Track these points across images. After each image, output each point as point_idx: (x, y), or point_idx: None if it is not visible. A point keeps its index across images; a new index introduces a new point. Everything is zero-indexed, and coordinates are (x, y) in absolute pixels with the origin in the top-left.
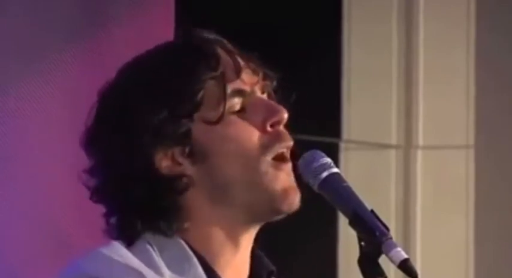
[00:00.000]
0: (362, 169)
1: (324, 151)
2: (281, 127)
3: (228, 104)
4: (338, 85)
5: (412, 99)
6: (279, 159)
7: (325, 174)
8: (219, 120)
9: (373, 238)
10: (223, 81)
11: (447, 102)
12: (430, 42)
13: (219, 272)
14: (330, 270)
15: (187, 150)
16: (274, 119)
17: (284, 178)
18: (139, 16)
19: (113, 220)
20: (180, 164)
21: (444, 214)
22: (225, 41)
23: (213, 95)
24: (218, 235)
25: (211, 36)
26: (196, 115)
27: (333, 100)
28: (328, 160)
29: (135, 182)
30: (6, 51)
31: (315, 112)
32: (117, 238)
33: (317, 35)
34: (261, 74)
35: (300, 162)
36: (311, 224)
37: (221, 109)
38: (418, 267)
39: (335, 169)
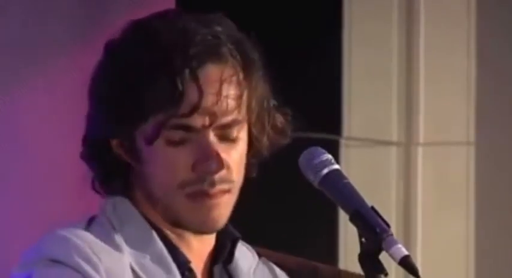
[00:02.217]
0: (363, 166)
1: (325, 148)
2: (208, 170)
3: (168, 134)
4: (339, 83)
5: (412, 96)
6: (197, 195)
7: (325, 171)
8: (150, 143)
9: (374, 234)
10: (172, 113)
11: (448, 99)
12: (430, 40)
13: (180, 245)
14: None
15: (131, 148)
16: (202, 167)
17: (199, 211)
18: (140, 14)
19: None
20: (125, 153)
21: (445, 210)
22: (227, 54)
23: (156, 121)
24: (163, 218)
25: (209, 49)
26: (140, 129)
27: (333, 97)
28: (329, 156)
29: (98, 148)
30: (9, 50)
31: (316, 109)
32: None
33: (318, 34)
34: (225, 119)
35: (301, 158)
36: (312, 221)
37: (156, 135)
38: (419, 264)
39: (336, 166)
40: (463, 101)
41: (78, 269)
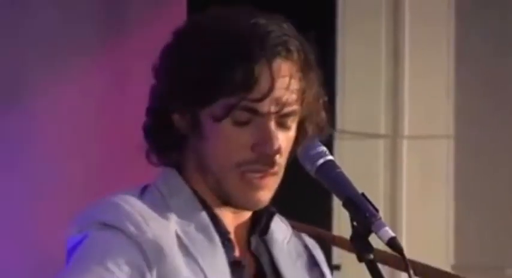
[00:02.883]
0: (354, 157)
1: (320, 141)
2: (268, 152)
3: (236, 115)
4: (333, 82)
5: (398, 94)
6: (251, 174)
7: (321, 161)
8: (219, 121)
9: (364, 218)
10: (244, 96)
11: (430, 96)
12: (415, 41)
13: (221, 216)
14: (325, 247)
15: (194, 123)
16: (261, 148)
17: (249, 190)
18: (154, 19)
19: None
20: (186, 126)
21: (427, 197)
22: (294, 51)
23: (228, 102)
24: (212, 191)
25: (279, 40)
26: (210, 107)
27: (328, 95)
28: (324, 148)
29: (158, 120)
30: (34, 51)
31: None
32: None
33: (313, 36)
34: (288, 109)
35: (299, 150)
36: (308, 206)
37: (225, 114)
38: (404, 244)
39: (330, 157)
40: (443, 97)
41: (128, 234)
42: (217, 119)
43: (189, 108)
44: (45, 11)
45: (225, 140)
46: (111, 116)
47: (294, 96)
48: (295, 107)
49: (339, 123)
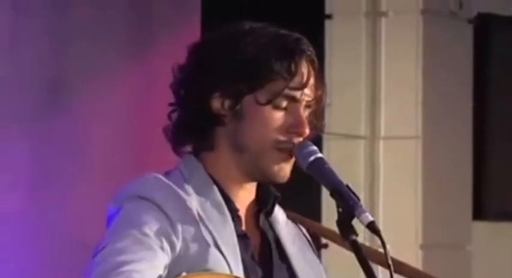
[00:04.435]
0: (340, 155)
1: (311, 141)
2: (301, 133)
3: (278, 100)
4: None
5: (376, 102)
6: (285, 151)
7: (312, 158)
8: (264, 105)
9: (348, 205)
10: (287, 85)
11: (402, 103)
12: (390, 58)
13: (231, 196)
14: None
15: (235, 106)
16: (296, 130)
17: (281, 164)
18: (176, 33)
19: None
20: (224, 110)
21: (400, 188)
22: (313, 54)
23: (274, 89)
24: (231, 172)
25: (306, 46)
26: (255, 92)
27: None
28: (315, 147)
29: (194, 106)
30: (78, 61)
31: None
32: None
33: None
34: (315, 92)
35: (295, 149)
36: (301, 195)
37: (270, 100)
38: (381, 227)
39: (320, 155)
40: (413, 105)
41: (157, 204)
42: (263, 103)
43: (236, 92)
44: (88, 19)
45: (266, 122)
46: (142, 115)
47: (313, 92)
48: (313, 102)
49: (327, 125)
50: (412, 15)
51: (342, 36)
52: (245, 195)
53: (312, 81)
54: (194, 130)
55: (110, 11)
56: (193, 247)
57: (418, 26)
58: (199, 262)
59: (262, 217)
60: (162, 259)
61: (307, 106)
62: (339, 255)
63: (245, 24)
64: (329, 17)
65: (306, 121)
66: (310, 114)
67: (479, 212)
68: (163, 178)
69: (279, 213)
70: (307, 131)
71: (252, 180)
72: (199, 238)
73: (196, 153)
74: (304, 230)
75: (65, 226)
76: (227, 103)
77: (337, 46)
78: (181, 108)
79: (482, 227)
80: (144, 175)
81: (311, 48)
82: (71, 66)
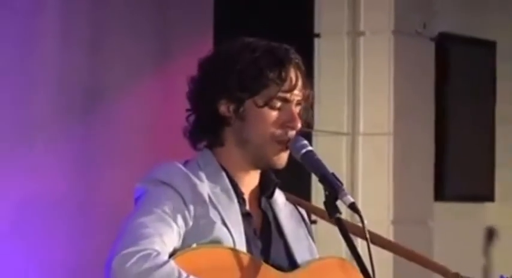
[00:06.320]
0: (326, 148)
1: (303, 137)
2: (294, 127)
3: (273, 102)
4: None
5: (356, 104)
6: (282, 143)
7: (304, 150)
8: (262, 107)
9: (333, 189)
10: (279, 88)
11: (378, 105)
12: (367, 69)
13: (238, 182)
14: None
15: (238, 110)
16: (290, 124)
17: (280, 153)
18: (193, 46)
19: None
20: (229, 113)
21: (375, 175)
22: (299, 61)
23: (269, 93)
24: (238, 162)
25: (293, 55)
26: (254, 97)
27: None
28: (306, 142)
29: (205, 110)
30: (109, 70)
31: None
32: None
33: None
34: (303, 92)
35: (289, 143)
36: (294, 180)
37: (266, 102)
38: (360, 207)
39: (310, 148)
40: (386, 107)
41: (174, 188)
42: (261, 106)
43: (238, 98)
44: (119, 35)
45: (264, 120)
46: (163, 120)
47: (301, 92)
48: (302, 100)
49: (315, 124)
50: (385, 35)
51: (328, 51)
52: (250, 181)
53: (299, 83)
54: (206, 130)
55: (138, 37)
56: (203, 223)
57: (389, 44)
58: (208, 236)
59: (263, 200)
60: (176, 233)
61: (298, 103)
62: (326, 229)
63: (243, 39)
64: (317, 35)
65: (297, 117)
66: (301, 110)
67: (440, 194)
68: (182, 166)
69: (279, 196)
70: (299, 125)
71: (255, 168)
72: (208, 216)
73: (210, 148)
74: (303, 212)
75: (100, 208)
76: (232, 107)
77: (324, 60)
78: (195, 113)
79: (442, 207)
80: (165, 164)
81: (298, 56)
82: (102, 75)
